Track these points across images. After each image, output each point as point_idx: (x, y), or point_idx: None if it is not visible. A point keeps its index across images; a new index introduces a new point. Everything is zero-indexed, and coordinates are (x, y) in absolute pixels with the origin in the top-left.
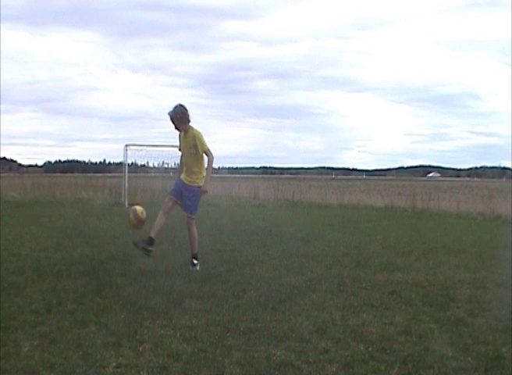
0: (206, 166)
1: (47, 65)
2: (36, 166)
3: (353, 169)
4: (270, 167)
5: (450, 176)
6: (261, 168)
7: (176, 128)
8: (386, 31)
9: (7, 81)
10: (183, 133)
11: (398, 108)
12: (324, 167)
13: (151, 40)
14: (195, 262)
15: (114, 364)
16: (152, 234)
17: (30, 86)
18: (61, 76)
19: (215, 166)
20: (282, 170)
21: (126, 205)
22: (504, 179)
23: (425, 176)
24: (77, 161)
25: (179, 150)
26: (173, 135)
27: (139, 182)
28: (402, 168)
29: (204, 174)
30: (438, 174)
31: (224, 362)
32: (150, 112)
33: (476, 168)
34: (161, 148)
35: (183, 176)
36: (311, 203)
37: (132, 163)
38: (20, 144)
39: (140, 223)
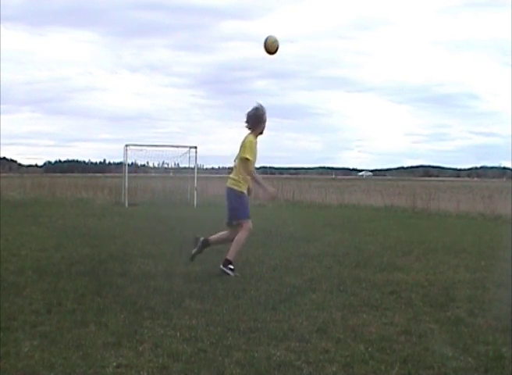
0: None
1: (46, 65)
2: (36, 166)
3: (353, 169)
4: (270, 167)
5: (450, 176)
6: (261, 168)
7: (251, 128)
8: (386, 31)
9: (7, 81)
10: (253, 136)
11: (398, 108)
12: (324, 167)
13: (151, 40)
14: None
15: (114, 364)
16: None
17: (30, 86)
18: (61, 76)
19: (215, 165)
20: (282, 170)
21: (126, 205)
22: (504, 179)
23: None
24: (77, 161)
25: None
26: (173, 135)
27: (139, 182)
28: (402, 168)
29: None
30: (370, 173)
31: (224, 362)
32: (150, 112)
33: (476, 168)
34: (161, 148)
35: (247, 186)
36: (311, 203)
37: (132, 163)
38: (20, 144)
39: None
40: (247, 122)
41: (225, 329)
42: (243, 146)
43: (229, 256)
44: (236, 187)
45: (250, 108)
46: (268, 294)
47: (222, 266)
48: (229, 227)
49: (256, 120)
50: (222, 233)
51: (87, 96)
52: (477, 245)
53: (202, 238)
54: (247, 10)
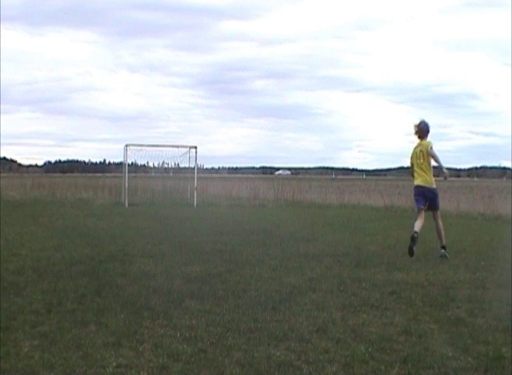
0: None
1: (46, 65)
2: (36, 166)
3: (353, 169)
4: (270, 167)
5: (450, 176)
6: (261, 168)
7: (421, 137)
8: (385, 31)
9: (6, 81)
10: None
11: (398, 108)
12: (324, 167)
13: (150, 40)
14: (442, 251)
15: (114, 364)
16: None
17: (30, 86)
18: (60, 76)
19: (215, 166)
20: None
21: (126, 205)
22: (504, 179)
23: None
24: (77, 161)
25: (411, 163)
26: (173, 135)
27: (139, 182)
28: (402, 168)
29: (432, 176)
30: (287, 172)
31: (224, 362)
32: (149, 112)
33: (476, 168)
34: (161, 148)
35: (418, 182)
36: (311, 203)
37: (132, 163)
38: (20, 144)
39: None
40: (417, 133)
41: (225, 329)
42: (431, 147)
43: (443, 242)
44: (434, 186)
45: (419, 122)
46: (268, 294)
47: (442, 251)
48: (420, 211)
49: (428, 131)
50: (418, 222)
51: (86, 96)
52: (477, 245)
53: (415, 234)
54: (246, 10)
